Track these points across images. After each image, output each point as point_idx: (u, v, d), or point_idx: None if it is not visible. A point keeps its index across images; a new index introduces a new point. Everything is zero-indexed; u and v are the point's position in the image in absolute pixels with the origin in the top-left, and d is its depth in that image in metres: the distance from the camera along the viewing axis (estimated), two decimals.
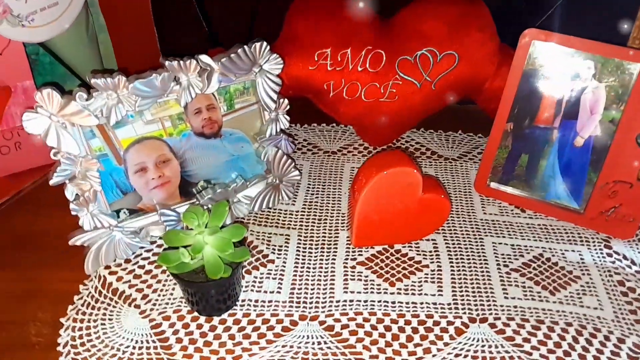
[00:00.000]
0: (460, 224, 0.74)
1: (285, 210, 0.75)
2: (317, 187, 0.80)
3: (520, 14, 0.94)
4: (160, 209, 0.67)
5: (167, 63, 0.61)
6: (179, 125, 0.66)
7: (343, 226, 0.73)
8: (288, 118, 0.72)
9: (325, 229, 0.72)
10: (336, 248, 0.70)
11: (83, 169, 0.61)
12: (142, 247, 0.68)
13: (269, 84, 0.68)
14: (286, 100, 0.71)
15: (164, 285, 0.64)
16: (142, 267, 0.67)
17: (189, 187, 0.69)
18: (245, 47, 0.65)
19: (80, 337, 0.58)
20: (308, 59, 0.79)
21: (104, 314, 0.61)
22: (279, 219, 0.74)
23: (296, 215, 0.75)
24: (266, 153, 0.72)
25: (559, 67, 0.70)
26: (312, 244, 0.70)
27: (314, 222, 0.74)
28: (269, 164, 0.73)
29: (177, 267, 0.56)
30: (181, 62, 0.61)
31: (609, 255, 0.69)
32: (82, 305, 0.62)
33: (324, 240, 0.71)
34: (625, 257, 0.69)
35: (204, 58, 0.63)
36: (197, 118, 0.66)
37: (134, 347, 0.57)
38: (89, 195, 0.62)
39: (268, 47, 0.67)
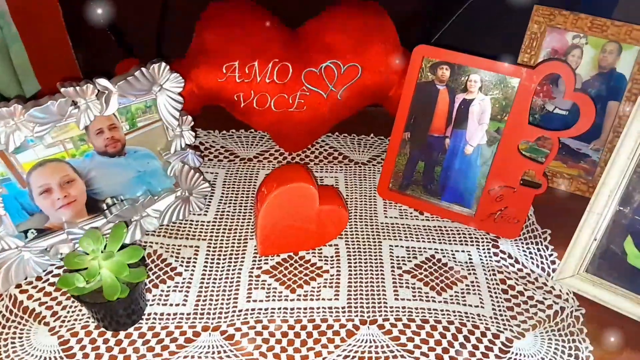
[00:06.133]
0: (362, 227, 0.78)
1: (197, 221, 0.78)
2: (231, 196, 0.83)
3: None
4: (67, 228, 0.69)
5: (62, 89, 0.62)
6: (81, 147, 0.67)
7: (252, 235, 0.77)
8: (193, 134, 0.74)
9: (234, 239, 0.76)
10: (244, 257, 0.73)
11: None
12: (52, 265, 0.71)
13: (170, 102, 0.70)
14: (189, 117, 0.73)
15: (73, 302, 0.67)
16: (53, 284, 0.69)
17: (97, 204, 0.71)
18: (143, 68, 0.66)
19: None
20: (217, 71, 0.81)
21: (14, 333, 0.63)
22: (189, 231, 0.77)
23: (207, 225, 0.78)
24: (173, 168, 0.74)
25: (449, 81, 0.74)
26: (220, 255, 0.74)
27: (224, 232, 0.77)
28: (177, 178, 0.76)
29: (75, 289, 0.58)
30: (77, 87, 0.63)
31: (495, 254, 0.75)
32: None
33: (233, 250, 0.74)
34: (510, 256, 0.75)
35: (101, 81, 0.65)
36: (100, 138, 0.68)
37: None
38: None
39: (167, 67, 0.68)
